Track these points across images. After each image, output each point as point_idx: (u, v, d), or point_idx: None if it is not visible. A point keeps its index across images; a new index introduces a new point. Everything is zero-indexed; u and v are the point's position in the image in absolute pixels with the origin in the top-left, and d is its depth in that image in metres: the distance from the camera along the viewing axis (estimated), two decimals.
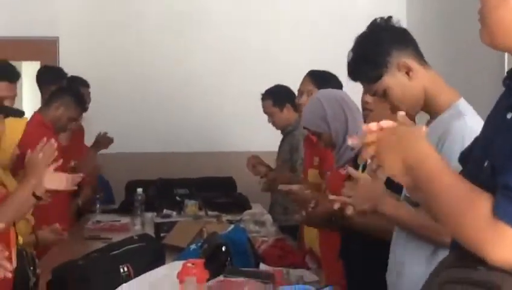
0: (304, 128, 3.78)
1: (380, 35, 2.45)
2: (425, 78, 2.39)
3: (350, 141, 1.65)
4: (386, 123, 1.57)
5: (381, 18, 2.43)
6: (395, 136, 1.54)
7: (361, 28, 2.50)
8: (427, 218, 2.25)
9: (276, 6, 7.22)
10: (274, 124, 5.12)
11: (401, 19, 2.56)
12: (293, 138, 4.93)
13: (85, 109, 5.08)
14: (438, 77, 2.44)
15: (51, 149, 3.02)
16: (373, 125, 1.57)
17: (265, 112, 5.13)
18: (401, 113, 1.62)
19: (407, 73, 2.35)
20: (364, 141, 1.58)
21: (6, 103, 3.91)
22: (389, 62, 2.36)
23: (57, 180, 3.13)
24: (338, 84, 4.02)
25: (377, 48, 2.39)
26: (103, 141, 5.61)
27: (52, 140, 3.05)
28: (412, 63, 2.38)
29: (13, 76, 4.12)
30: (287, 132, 5.06)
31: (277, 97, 5.02)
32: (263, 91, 5.19)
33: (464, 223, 1.42)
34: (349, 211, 2.42)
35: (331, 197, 2.53)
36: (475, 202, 1.41)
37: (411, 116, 2.42)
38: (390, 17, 2.45)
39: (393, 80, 2.37)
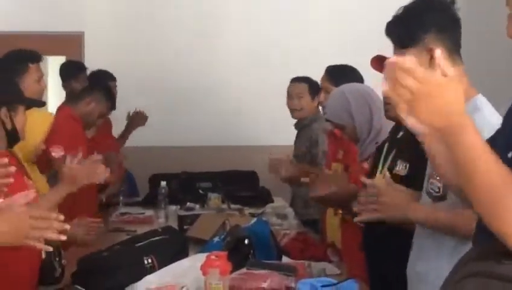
0: (327, 120, 3.77)
1: (429, 12, 2.43)
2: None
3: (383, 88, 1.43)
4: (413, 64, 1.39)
5: None
6: (435, 92, 1.39)
7: (382, 22, 2.49)
8: (451, 215, 2.26)
9: (297, 5, 7.21)
10: (299, 108, 4.99)
11: None
12: (311, 131, 4.89)
13: (114, 106, 5.10)
14: (462, 74, 2.41)
15: (93, 167, 3.12)
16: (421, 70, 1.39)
17: (296, 92, 4.99)
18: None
19: (431, 58, 2.34)
20: (404, 80, 1.37)
21: (36, 84, 3.96)
22: (421, 39, 2.34)
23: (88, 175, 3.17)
24: (357, 78, 4.01)
25: (420, 20, 2.38)
26: (137, 118, 5.63)
27: (95, 155, 3.09)
28: (442, 53, 2.36)
29: (39, 57, 4.17)
30: (302, 126, 5.03)
31: (313, 85, 4.95)
32: (285, 89, 5.14)
33: (497, 211, 1.38)
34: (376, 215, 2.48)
35: (360, 207, 2.54)
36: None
37: None
38: (453, 1, 2.42)
39: (416, 56, 2.37)
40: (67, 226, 2.24)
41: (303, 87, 5.01)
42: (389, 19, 2.47)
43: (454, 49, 2.40)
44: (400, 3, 2.47)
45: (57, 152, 4.26)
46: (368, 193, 2.48)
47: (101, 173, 3.17)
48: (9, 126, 3.03)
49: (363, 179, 2.59)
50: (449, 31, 2.40)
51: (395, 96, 1.40)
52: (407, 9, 2.45)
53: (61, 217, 2.24)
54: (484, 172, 1.41)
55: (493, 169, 1.41)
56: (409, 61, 1.39)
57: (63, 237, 2.24)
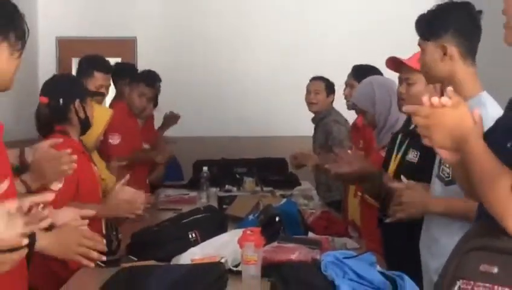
0: (353, 104, 3.79)
1: (454, 14, 2.41)
2: (458, 68, 2.35)
3: (405, 109, 1.65)
4: (439, 101, 1.52)
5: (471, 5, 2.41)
6: (446, 116, 1.51)
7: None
8: (464, 205, 2.22)
9: (327, 5, 7.18)
10: (315, 102, 5.05)
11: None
12: (325, 124, 4.93)
13: (157, 103, 5.10)
14: (473, 73, 2.39)
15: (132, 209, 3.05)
16: (433, 100, 1.52)
17: (314, 89, 5.07)
18: (450, 88, 1.58)
19: (444, 54, 2.35)
20: (419, 111, 1.55)
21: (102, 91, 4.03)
22: (440, 35, 2.34)
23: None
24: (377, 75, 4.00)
25: (443, 20, 2.38)
26: (171, 117, 5.66)
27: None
28: (454, 52, 2.35)
29: (108, 69, 4.21)
30: (318, 120, 5.07)
31: (329, 84, 5.06)
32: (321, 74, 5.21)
33: (494, 198, 1.40)
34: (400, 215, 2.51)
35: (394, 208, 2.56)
36: (503, 179, 1.39)
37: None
38: (480, 11, 2.41)
39: (431, 51, 2.38)
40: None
41: (320, 84, 5.09)
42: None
43: (468, 53, 2.38)
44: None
45: (114, 139, 4.31)
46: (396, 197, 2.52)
47: (138, 208, 3.02)
48: (82, 115, 3.11)
49: (391, 184, 2.64)
50: (467, 35, 2.38)
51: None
52: (437, 7, 2.45)
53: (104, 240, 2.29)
54: (483, 169, 1.45)
55: (490, 166, 1.44)
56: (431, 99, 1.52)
57: (103, 258, 2.30)
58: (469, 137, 1.48)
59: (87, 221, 2.35)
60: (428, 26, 2.40)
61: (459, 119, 1.51)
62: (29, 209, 1.78)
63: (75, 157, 2.57)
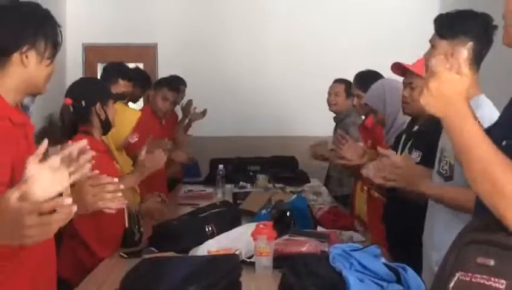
0: (365, 104, 3.77)
1: (473, 21, 2.38)
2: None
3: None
4: (437, 65, 1.46)
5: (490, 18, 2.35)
6: (440, 83, 1.44)
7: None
8: (455, 191, 2.23)
9: (337, 15, 7.18)
10: (334, 103, 5.02)
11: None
12: (344, 125, 4.91)
13: (178, 102, 5.13)
14: (476, 78, 2.37)
15: (158, 162, 3.22)
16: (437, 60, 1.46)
17: (334, 91, 5.03)
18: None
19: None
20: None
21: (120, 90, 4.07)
22: (456, 36, 2.31)
23: (154, 162, 3.24)
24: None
25: (463, 23, 2.35)
26: (196, 114, 5.67)
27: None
28: (470, 54, 2.31)
29: (131, 76, 4.25)
30: (339, 119, 5.02)
31: (348, 86, 4.97)
32: (320, 86, 5.16)
33: (498, 196, 1.36)
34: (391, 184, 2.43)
35: (367, 165, 2.54)
36: (505, 170, 1.36)
37: None
38: (496, 26, 2.35)
39: (444, 49, 2.30)
40: (120, 193, 2.23)
41: (340, 87, 5.03)
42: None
43: (476, 59, 2.35)
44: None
45: (132, 138, 4.34)
46: (382, 161, 2.44)
47: (161, 160, 3.27)
48: (103, 117, 3.12)
49: (379, 148, 2.52)
50: (481, 43, 2.35)
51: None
52: (459, 11, 2.42)
53: (119, 186, 2.24)
54: (481, 157, 1.40)
55: (490, 155, 1.39)
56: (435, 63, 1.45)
57: (122, 205, 2.27)
58: (467, 118, 1.42)
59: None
60: (448, 26, 2.36)
61: (456, 82, 1.45)
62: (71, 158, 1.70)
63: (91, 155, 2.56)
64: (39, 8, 2.08)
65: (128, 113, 3.57)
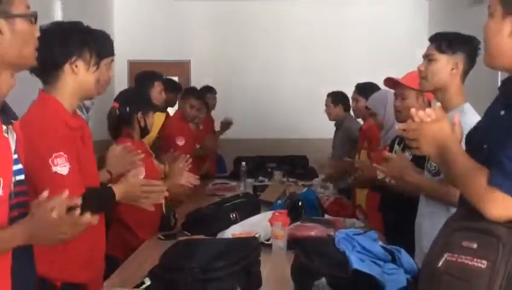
0: (366, 107, 3.74)
1: (467, 43, 2.37)
2: (455, 82, 2.32)
3: (398, 127, 1.61)
4: (426, 116, 1.52)
5: (478, 41, 2.29)
6: (429, 128, 1.51)
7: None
8: (439, 185, 2.23)
9: (338, 29, 7.16)
10: (328, 113, 5.06)
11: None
12: (344, 129, 4.90)
13: (208, 109, 5.12)
14: (462, 88, 2.37)
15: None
16: (420, 115, 1.53)
17: (326, 104, 5.07)
18: (438, 104, 1.58)
19: (452, 69, 2.29)
20: (410, 127, 1.54)
21: (159, 95, 4.11)
22: (455, 53, 2.30)
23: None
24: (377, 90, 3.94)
25: (461, 43, 2.35)
26: (225, 123, 5.70)
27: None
28: (461, 70, 2.32)
29: (158, 77, 4.29)
30: (338, 125, 5.03)
31: (334, 97, 5.01)
32: (337, 88, 5.18)
33: (472, 191, 1.40)
34: (383, 177, 2.46)
35: (375, 165, 2.53)
36: (478, 175, 1.39)
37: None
38: (480, 48, 2.33)
39: (444, 62, 2.31)
40: (167, 193, 2.30)
41: (328, 99, 5.07)
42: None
43: (465, 73, 2.36)
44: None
45: (180, 141, 4.38)
46: (387, 162, 2.46)
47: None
48: (142, 124, 3.12)
49: (384, 153, 2.58)
50: (471, 61, 2.36)
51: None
52: (455, 33, 2.42)
53: (163, 187, 2.30)
54: (461, 167, 1.45)
55: (468, 166, 1.44)
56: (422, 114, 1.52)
57: (162, 200, 2.32)
58: (448, 143, 1.49)
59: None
60: (448, 43, 2.35)
61: (440, 130, 1.50)
62: None
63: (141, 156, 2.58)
64: (81, 25, 2.11)
65: (156, 117, 3.57)
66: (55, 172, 1.88)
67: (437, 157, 1.53)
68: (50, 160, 1.88)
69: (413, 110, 1.54)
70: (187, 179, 2.91)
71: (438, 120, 1.52)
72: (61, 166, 1.89)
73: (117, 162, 2.48)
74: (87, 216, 1.43)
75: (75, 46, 2.03)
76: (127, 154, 2.51)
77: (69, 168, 1.91)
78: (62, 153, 1.91)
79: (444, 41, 2.36)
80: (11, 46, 1.44)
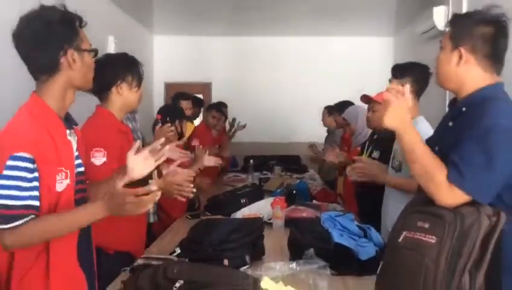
0: (343, 118, 3.71)
1: (418, 70, 2.34)
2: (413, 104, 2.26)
3: (385, 95, 1.46)
4: (400, 90, 1.44)
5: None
6: (400, 104, 1.42)
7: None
8: (404, 181, 2.22)
9: (326, 70, 7.11)
10: (322, 120, 5.06)
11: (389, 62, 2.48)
12: (332, 135, 4.89)
13: (222, 112, 5.08)
14: (417, 105, 2.35)
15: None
16: (394, 87, 1.45)
17: (322, 114, 5.06)
18: (407, 86, 1.45)
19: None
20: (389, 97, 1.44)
21: (187, 111, 4.06)
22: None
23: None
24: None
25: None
26: (239, 127, 5.69)
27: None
28: (409, 89, 2.22)
29: (188, 97, 4.24)
30: (329, 132, 5.01)
31: (329, 109, 4.95)
32: (322, 104, 5.15)
33: (431, 184, 1.37)
34: (355, 179, 2.43)
35: (349, 172, 2.45)
36: (437, 172, 1.36)
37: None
38: (431, 73, 2.29)
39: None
40: (194, 190, 2.21)
41: (325, 111, 5.04)
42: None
43: (417, 93, 2.34)
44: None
45: (195, 142, 4.37)
46: (357, 164, 2.43)
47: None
48: (179, 130, 3.13)
49: (354, 157, 2.54)
50: (421, 83, 2.34)
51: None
52: (410, 62, 2.42)
53: (191, 185, 2.18)
54: (419, 156, 1.40)
55: (425, 155, 1.40)
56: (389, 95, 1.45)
57: (191, 195, 2.22)
58: (411, 123, 1.43)
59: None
60: (401, 71, 2.36)
61: (406, 107, 1.44)
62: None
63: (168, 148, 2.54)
64: (125, 56, 2.11)
65: (187, 127, 3.57)
66: (92, 162, 1.86)
67: (399, 133, 1.43)
68: (91, 153, 1.87)
69: (387, 94, 1.45)
70: (209, 161, 2.98)
71: (407, 99, 1.44)
72: (97, 158, 1.87)
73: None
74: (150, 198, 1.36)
75: (119, 73, 2.04)
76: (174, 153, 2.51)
77: (104, 161, 1.87)
78: (102, 149, 1.88)
79: (397, 70, 2.40)
80: (79, 73, 1.46)
